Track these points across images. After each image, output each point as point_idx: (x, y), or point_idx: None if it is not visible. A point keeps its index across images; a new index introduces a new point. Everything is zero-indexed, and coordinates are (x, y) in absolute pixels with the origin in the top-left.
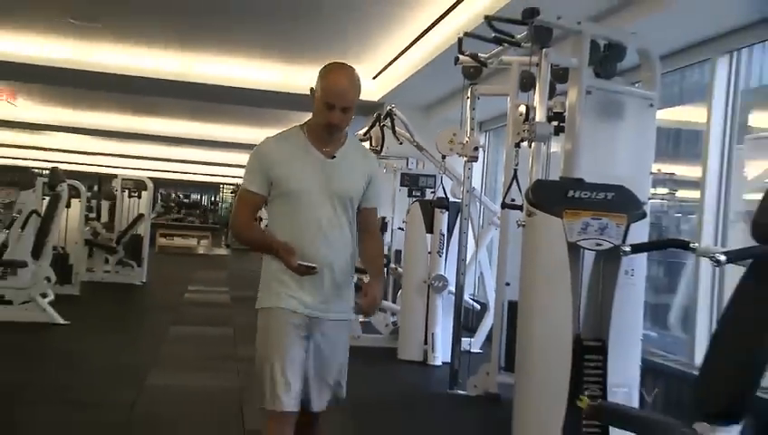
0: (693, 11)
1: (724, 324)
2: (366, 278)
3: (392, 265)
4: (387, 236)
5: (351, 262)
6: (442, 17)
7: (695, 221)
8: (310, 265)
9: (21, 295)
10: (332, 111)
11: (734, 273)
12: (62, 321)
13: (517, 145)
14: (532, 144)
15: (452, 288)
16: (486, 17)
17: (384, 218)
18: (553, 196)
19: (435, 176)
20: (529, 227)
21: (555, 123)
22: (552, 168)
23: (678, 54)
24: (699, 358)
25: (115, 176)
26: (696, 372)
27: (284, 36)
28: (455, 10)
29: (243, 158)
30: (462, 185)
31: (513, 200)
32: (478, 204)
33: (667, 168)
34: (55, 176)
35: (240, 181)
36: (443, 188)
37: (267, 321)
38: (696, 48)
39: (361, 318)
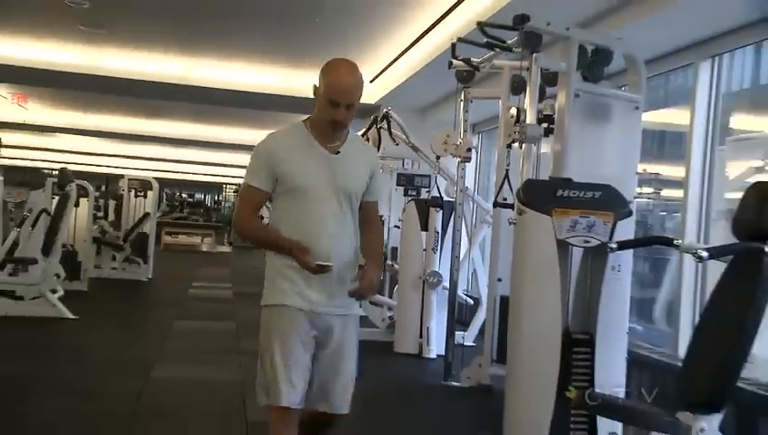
0: (677, 17)
1: (706, 318)
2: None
3: (389, 262)
4: (383, 234)
5: (355, 257)
6: (437, 23)
7: (678, 219)
8: (326, 264)
9: (31, 291)
10: (337, 109)
11: (716, 268)
12: (71, 316)
13: (509, 146)
14: (523, 145)
15: (446, 284)
16: (479, 23)
17: (381, 217)
18: (543, 195)
19: (429, 176)
20: (520, 225)
21: (545, 125)
22: (541, 168)
23: (663, 59)
24: (683, 350)
25: (122, 176)
26: (679, 364)
27: (284, 41)
28: (449, 16)
29: (244, 158)
30: (456, 184)
31: (504, 199)
32: (471, 203)
33: (652, 168)
34: (64, 176)
35: (242, 181)
36: (437, 187)
37: (272, 318)
38: (680, 53)
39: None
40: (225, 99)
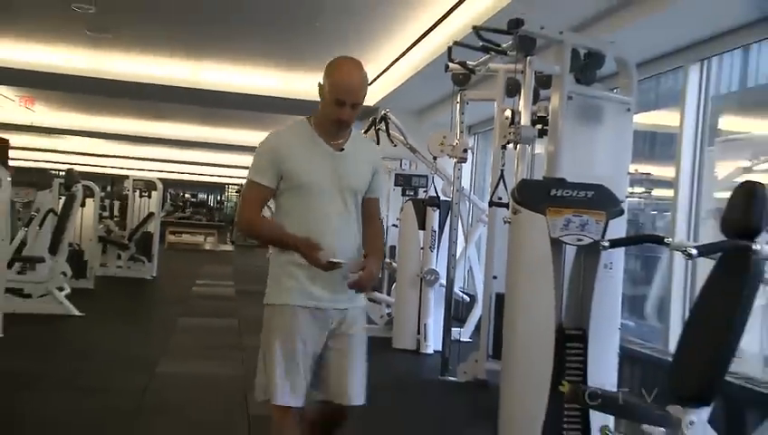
0: (667, 22)
1: (695, 314)
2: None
3: (387, 260)
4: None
5: (358, 254)
6: (433, 27)
7: (669, 218)
8: (338, 261)
9: (39, 289)
10: (343, 108)
11: (705, 266)
12: (77, 313)
13: (504, 147)
14: (518, 146)
15: (443, 281)
16: (474, 27)
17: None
18: (537, 194)
19: (427, 176)
20: (515, 224)
21: (539, 127)
22: (536, 168)
23: (653, 62)
24: (673, 345)
25: (127, 177)
26: (670, 359)
27: (285, 45)
28: (445, 20)
29: (246, 159)
30: (452, 184)
31: (500, 199)
32: (467, 202)
33: (643, 168)
34: (71, 177)
35: (244, 181)
36: (434, 187)
37: (274, 317)
38: (670, 56)
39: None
40: (228, 101)
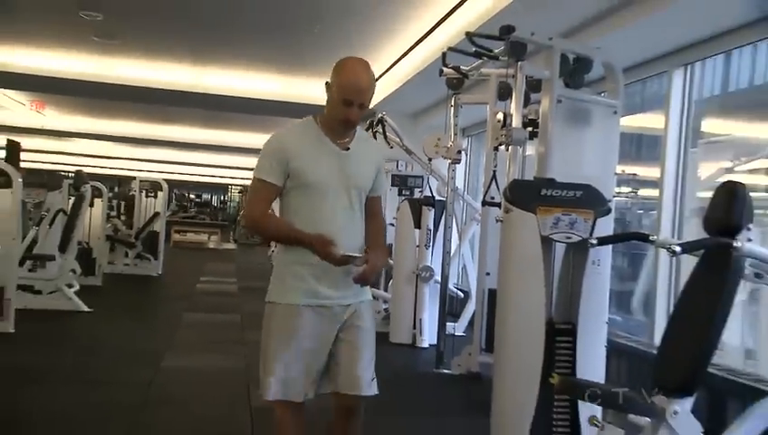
0: (652, 29)
1: (679, 309)
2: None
3: None
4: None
5: (361, 252)
6: (428, 33)
7: (654, 217)
8: (353, 254)
9: (49, 286)
10: (350, 108)
11: (689, 262)
12: (86, 309)
13: (496, 149)
14: (510, 148)
15: (438, 278)
16: (468, 33)
17: None
18: (528, 194)
19: (422, 177)
20: (506, 223)
21: (530, 129)
22: (526, 169)
23: (639, 67)
24: (658, 339)
25: (133, 178)
26: (655, 352)
27: (286, 51)
28: (440, 27)
29: (249, 161)
30: (446, 185)
31: (492, 198)
32: (461, 202)
33: (629, 169)
34: (80, 178)
35: (247, 182)
36: (429, 187)
37: (275, 315)
38: (655, 62)
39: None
40: (231, 105)
